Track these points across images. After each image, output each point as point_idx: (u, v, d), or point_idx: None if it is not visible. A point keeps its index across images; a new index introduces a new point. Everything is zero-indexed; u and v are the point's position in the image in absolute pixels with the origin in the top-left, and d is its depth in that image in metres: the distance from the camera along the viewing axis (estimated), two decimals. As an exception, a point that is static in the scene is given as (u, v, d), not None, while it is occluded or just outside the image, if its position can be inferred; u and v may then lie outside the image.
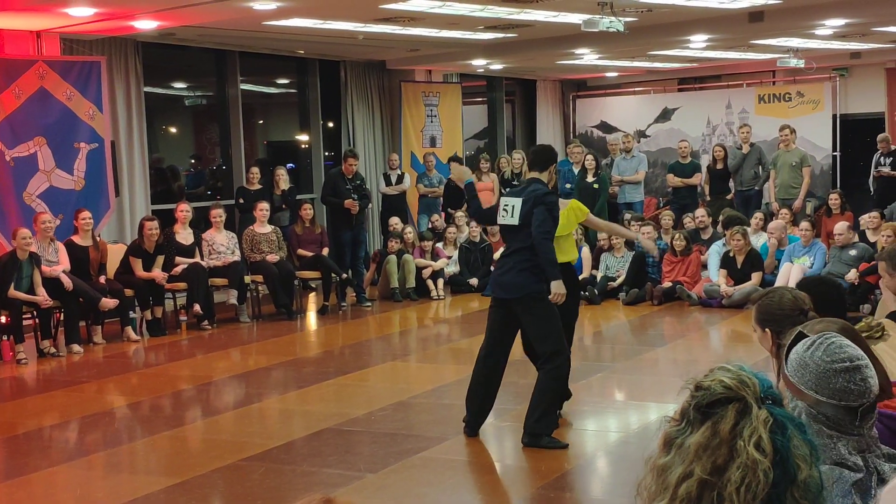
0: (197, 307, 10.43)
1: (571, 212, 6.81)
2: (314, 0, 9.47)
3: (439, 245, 12.98)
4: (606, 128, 17.86)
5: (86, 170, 10.58)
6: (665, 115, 17.55)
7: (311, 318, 11.63)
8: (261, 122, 15.89)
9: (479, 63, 14.65)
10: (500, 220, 6.23)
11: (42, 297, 9.22)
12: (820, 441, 2.13)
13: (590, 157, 13.44)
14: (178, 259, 10.55)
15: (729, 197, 13.98)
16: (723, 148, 14.30)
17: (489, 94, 17.58)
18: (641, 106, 17.94)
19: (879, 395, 2.23)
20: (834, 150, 16.14)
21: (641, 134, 17.54)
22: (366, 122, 14.65)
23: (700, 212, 12.68)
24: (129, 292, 10.08)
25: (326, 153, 14.67)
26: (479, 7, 10.16)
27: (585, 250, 12.23)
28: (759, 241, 11.71)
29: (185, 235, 10.83)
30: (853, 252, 10.80)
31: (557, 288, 6.03)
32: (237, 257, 11.06)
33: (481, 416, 6.28)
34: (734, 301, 10.94)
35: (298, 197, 12.72)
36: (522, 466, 5.89)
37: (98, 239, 10.15)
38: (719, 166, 14.11)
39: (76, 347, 9.41)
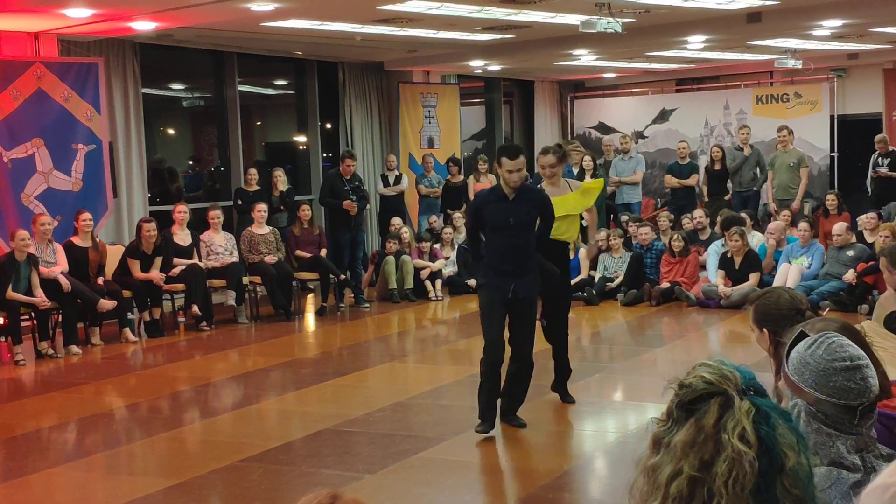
0: (195, 308, 10.42)
1: (583, 194, 7.01)
2: (312, 1, 9.47)
3: (437, 246, 12.98)
4: (604, 129, 17.87)
5: (84, 171, 10.58)
6: (663, 116, 17.56)
7: (310, 319, 11.63)
8: (259, 123, 15.89)
9: (476, 64, 14.65)
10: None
11: (40, 298, 9.21)
12: (818, 439, 2.14)
13: (587, 157, 13.45)
14: (176, 260, 10.55)
15: (727, 198, 13.99)
16: (720, 149, 14.31)
17: (487, 95, 17.58)
18: (639, 107, 17.95)
19: (879, 394, 2.23)
20: (832, 150, 16.15)
21: (639, 135, 17.55)
22: (364, 124, 14.64)
23: (698, 213, 12.69)
24: (127, 293, 10.08)
25: (324, 154, 14.67)
26: (476, 8, 10.16)
27: (583, 251, 12.23)
28: (752, 241, 11.70)
29: (182, 237, 10.83)
30: (851, 252, 10.82)
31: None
32: (235, 258, 11.06)
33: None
34: (732, 301, 10.94)
35: (296, 198, 12.72)
36: (521, 467, 5.89)
37: (98, 240, 10.14)
38: (717, 167, 14.12)
39: (74, 349, 9.40)
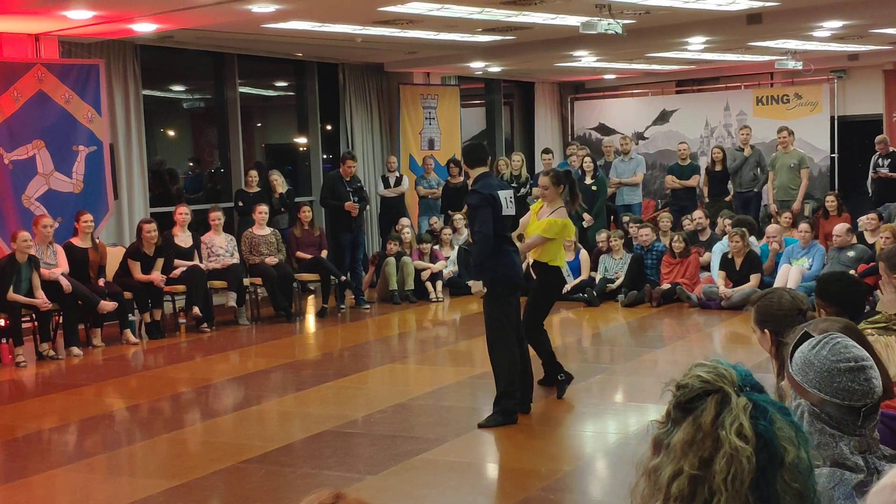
0: (196, 310, 10.43)
1: (561, 228, 7.12)
2: (312, 3, 9.47)
3: (437, 247, 12.98)
4: (605, 130, 17.87)
5: (84, 172, 10.58)
6: (663, 117, 17.56)
7: (310, 320, 11.62)
8: (259, 124, 15.89)
9: (477, 65, 14.65)
10: (506, 212, 6.65)
11: (41, 299, 9.21)
12: (822, 440, 2.14)
13: (588, 159, 13.46)
14: (176, 262, 10.56)
15: (727, 199, 13.99)
16: (721, 150, 14.31)
17: (487, 96, 17.59)
18: (640, 108, 17.95)
19: (882, 395, 2.24)
20: (832, 151, 16.15)
21: (640, 136, 17.55)
22: (364, 125, 14.64)
23: (698, 213, 12.70)
24: (127, 295, 10.08)
25: (325, 156, 14.67)
26: (477, 10, 10.16)
27: (584, 253, 12.24)
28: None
29: (183, 238, 10.83)
30: (851, 253, 10.81)
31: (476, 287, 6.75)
32: (236, 260, 11.06)
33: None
34: (733, 302, 10.95)
35: (297, 199, 12.72)
36: (522, 468, 5.89)
37: (97, 241, 10.14)
38: (718, 168, 14.12)
39: (75, 350, 9.40)
